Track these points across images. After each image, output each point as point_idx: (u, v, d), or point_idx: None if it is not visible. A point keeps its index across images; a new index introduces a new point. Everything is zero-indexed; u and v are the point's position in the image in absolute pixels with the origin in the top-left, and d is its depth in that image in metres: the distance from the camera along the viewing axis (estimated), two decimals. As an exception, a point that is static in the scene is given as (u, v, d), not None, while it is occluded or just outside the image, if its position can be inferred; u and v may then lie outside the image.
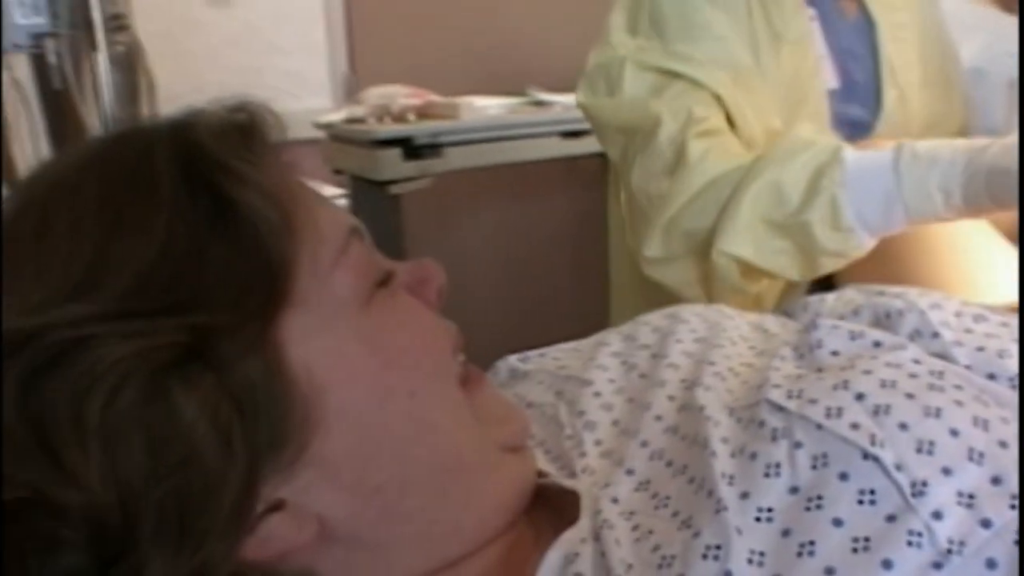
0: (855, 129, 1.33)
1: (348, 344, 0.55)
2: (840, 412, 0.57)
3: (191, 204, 0.52)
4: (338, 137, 2.71)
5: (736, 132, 1.21)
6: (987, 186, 0.97)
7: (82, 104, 1.67)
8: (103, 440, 0.46)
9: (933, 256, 1.11)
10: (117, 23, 1.82)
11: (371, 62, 3.31)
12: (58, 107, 1.64)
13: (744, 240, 1.08)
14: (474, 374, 0.64)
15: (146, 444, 0.47)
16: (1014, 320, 0.73)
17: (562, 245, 3.44)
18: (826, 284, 1.29)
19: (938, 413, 0.56)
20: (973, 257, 1.11)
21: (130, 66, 1.83)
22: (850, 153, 1.04)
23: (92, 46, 1.66)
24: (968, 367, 0.66)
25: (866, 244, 1.05)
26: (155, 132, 0.57)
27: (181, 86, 3.03)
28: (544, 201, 3.47)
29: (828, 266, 1.09)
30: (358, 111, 2.67)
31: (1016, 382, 0.64)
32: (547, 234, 3.49)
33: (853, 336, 0.69)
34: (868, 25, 1.38)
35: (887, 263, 1.13)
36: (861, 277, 1.15)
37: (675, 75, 1.20)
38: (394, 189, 2.54)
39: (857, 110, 1.36)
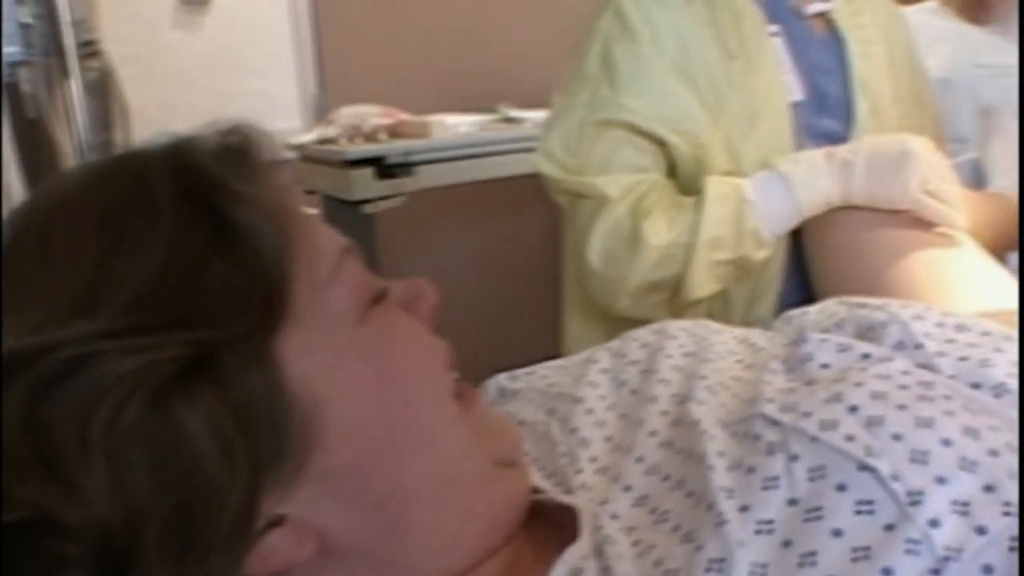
0: (830, 140, 1.35)
1: (346, 359, 0.56)
2: (834, 424, 0.58)
3: (191, 223, 0.53)
4: (310, 158, 2.71)
5: (680, 177, 1.33)
6: (864, 184, 1.20)
7: (56, 131, 1.65)
8: (108, 456, 0.47)
9: (910, 268, 1.13)
10: (89, 49, 1.81)
11: (341, 82, 3.31)
12: (33, 136, 1.63)
13: (705, 287, 1.27)
14: (467, 390, 0.65)
15: (150, 459, 0.48)
16: (996, 329, 0.74)
17: (535, 260, 3.45)
18: (806, 298, 1.32)
19: (930, 423, 0.57)
20: (950, 268, 1.13)
21: (103, 92, 1.82)
22: (749, 188, 1.25)
23: (65, 73, 1.65)
24: (952, 377, 0.67)
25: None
26: (153, 155, 0.58)
27: (151, 110, 3.03)
28: (517, 217, 3.48)
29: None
30: (330, 131, 2.66)
31: (999, 391, 0.65)
32: (520, 249, 3.50)
33: (842, 349, 0.70)
34: (837, 41, 1.40)
35: (866, 276, 1.15)
36: (842, 291, 1.17)
37: (623, 124, 1.29)
38: (367, 208, 2.53)
39: (830, 122, 1.39)
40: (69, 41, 1.65)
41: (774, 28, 1.35)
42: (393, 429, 0.57)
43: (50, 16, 1.61)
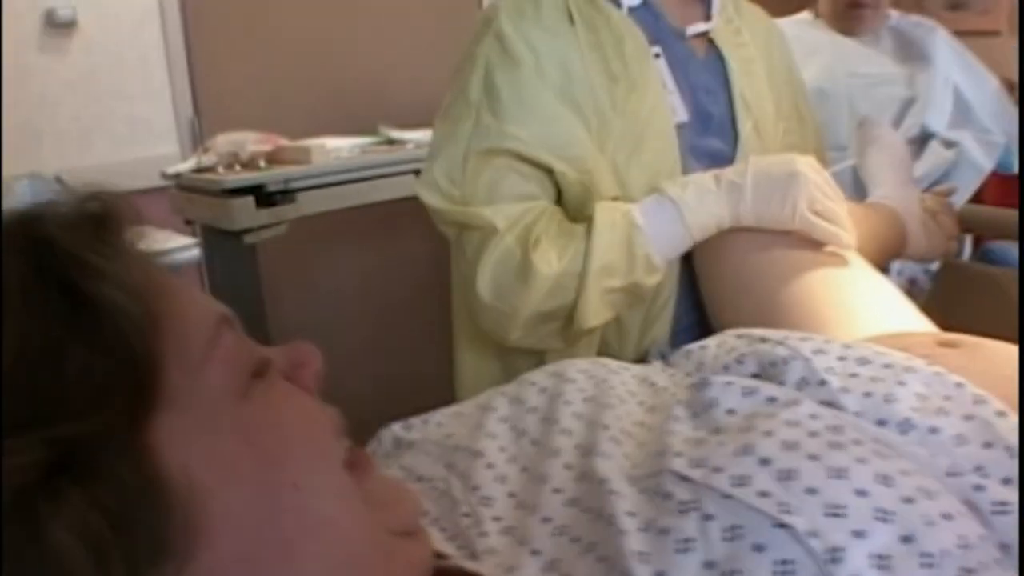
0: (715, 160, 1.35)
1: (227, 442, 0.51)
2: (747, 480, 0.56)
3: (44, 304, 0.48)
4: (187, 187, 2.63)
5: (568, 204, 1.32)
6: (753, 206, 1.20)
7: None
8: None
9: (805, 288, 1.13)
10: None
11: (217, 106, 3.25)
12: None
13: (598, 315, 1.25)
14: (360, 458, 0.60)
15: (20, 574, 0.42)
16: (896, 360, 0.73)
17: (421, 282, 3.42)
18: (699, 319, 1.32)
19: (843, 473, 0.55)
20: (844, 287, 1.13)
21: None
22: (638, 214, 1.23)
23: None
24: (858, 414, 0.66)
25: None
26: (3, 226, 0.52)
27: (17, 137, 2.92)
28: (400, 240, 3.44)
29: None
30: (207, 159, 2.59)
31: (904, 427, 0.65)
32: (406, 271, 3.46)
33: (747, 392, 0.68)
34: (719, 61, 1.41)
35: (760, 297, 1.15)
36: (735, 312, 1.17)
37: (508, 152, 1.27)
38: (248, 238, 2.47)
39: (715, 142, 1.39)
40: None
41: (656, 50, 1.34)
42: (281, 514, 0.52)
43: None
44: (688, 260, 1.32)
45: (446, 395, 1.31)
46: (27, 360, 0.46)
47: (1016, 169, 2.37)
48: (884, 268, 1.33)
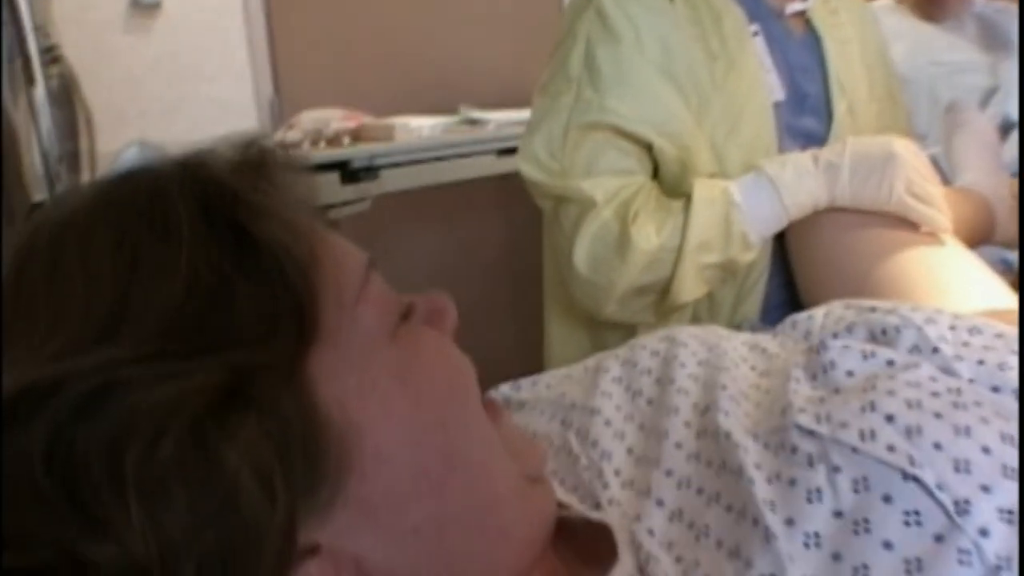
0: (809, 140, 1.37)
1: (379, 380, 0.54)
2: (874, 434, 0.58)
3: (212, 240, 0.50)
4: (272, 163, 2.68)
5: (665, 179, 1.33)
6: (850, 187, 1.21)
7: (22, 142, 1.61)
8: (142, 493, 0.43)
9: (901, 268, 1.13)
10: (50, 55, 1.77)
11: (297, 85, 3.28)
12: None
13: (693, 290, 1.27)
14: (494, 406, 0.62)
15: (188, 495, 0.44)
16: (1009, 331, 0.74)
17: (499, 262, 3.44)
18: (790, 297, 1.33)
19: (968, 431, 0.57)
20: (942, 267, 1.14)
21: (66, 99, 1.77)
22: (736, 191, 1.25)
23: (30, 80, 1.59)
24: (971, 381, 0.67)
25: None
26: (164, 171, 0.54)
27: (102, 116, 2.98)
28: (481, 218, 3.47)
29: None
30: (291, 136, 2.64)
31: (1019, 393, 0.66)
32: (486, 250, 3.49)
33: (866, 356, 0.70)
34: (815, 41, 1.41)
35: (854, 277, 1.16)
36: (828, 291, 1.18)
37: (608, 127, 1.29)
38: (332, 214, 2.52)
39: (810, 122, 1.40)
40: (33, 47, 1.59)
41: (754, 28, 1.35)
42: (430, 452, 0.55)
43: (13, 22, 1.56)
44: (781, 239, 1.33)
45: (521, 371, 1.33)
46: (198, 290, 0.48)
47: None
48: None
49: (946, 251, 1.18)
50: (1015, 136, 2.27)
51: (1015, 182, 1.49)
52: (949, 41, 2.36)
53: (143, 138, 2.80)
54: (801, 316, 0.86)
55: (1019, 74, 2.13)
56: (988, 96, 2.31)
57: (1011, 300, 1.07)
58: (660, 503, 0.64)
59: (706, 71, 1.30)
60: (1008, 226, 1.40)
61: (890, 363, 0.68)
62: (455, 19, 3.45)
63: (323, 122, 2.61)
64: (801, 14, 1.42)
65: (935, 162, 1.76)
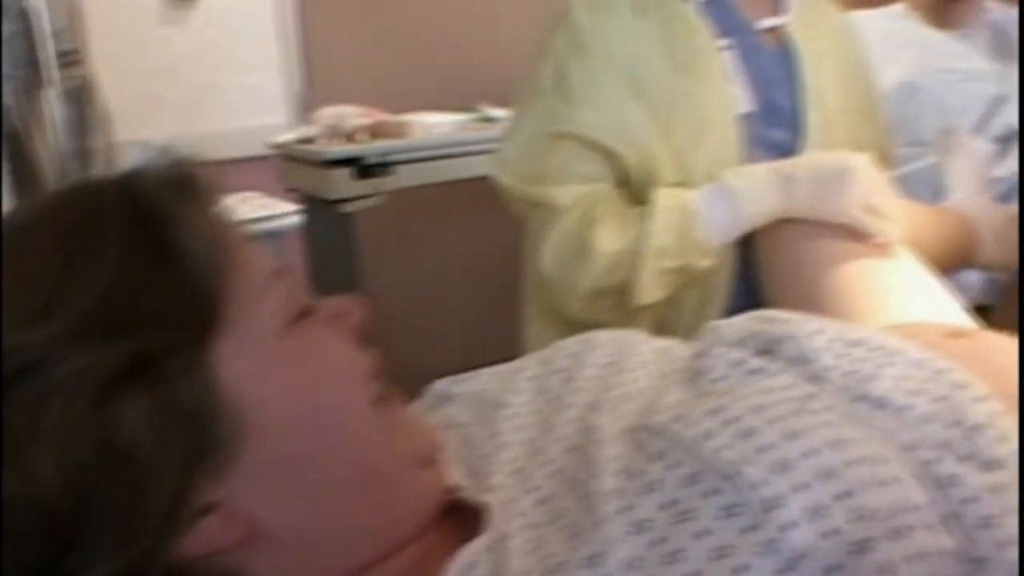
0: (780, 151, 1.41)
1: (272, 365, 0.64)
2: (711, 435, 0.64)
3: (136, 246, 0.61)
4: (291, 157, 2.76)
5: (633, 187, 1.39)
6: (806, 198, 1.26)
7: (34, 141, 1.69)
8: (57, 441, 0.55)
9: (844, 277, 1.18)
10: (70, 58, 1.85)
11: (326, 79, 3.35)
12: (14, 149, 1.66)
13: (651, 293, 1.34)
14: (389, 395, 0.72)
15: (94, 447, 0.56)
16: (890, 344, 0.79)
17: (511, 258, 3.48)
18: (755, 302, 1.37)
19: (796, 436, 0.63)
20: (882, 278, 1.18)
21: (82, 99, 1.85)
22: (696, 200, 1.31)
23: (41, 83, 1.68)
24: (839, 390, 0.73)
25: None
26: (108, 185, 0.66)
27: (138, 104, 3.07)
28: (495, 215, 3.51)
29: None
30: (311, 131, 2.72)
31: (880, 403, 0.71)
32: (498, 246, 3.54)
33: (732, 364, 0.77)
34: (788, 54, 1.46)
35: (805, 283, 1.21)
36: (784, 296, 1.23)
37: (576, 137, 1.36)
38: (346, 207, 2.59)
39: (779, 133, 1.44)
40: (45, 52, 1.68)
41: (724, 42, 1.40)
42: (316, 429, 0.65)
43: (28, 29, 1.64)
44: (747, 244, 1.37)
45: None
46: (119, 287, 0.60)
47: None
48: (949, 273, 1.34)
49: (893, 264, 1.22)
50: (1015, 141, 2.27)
51: (1011, 208, 1.51)
52: (958, 50, 2.35)
53: (150, 138, 2.88)
54: (721, 323, 0.92)
55: (1020, 75, 2.14)
56: (995, 105, 2.31)
57: (951, 313, 1.11)
58: (536, 488, 0.71)
59: (674, 84, 1.35)
60: (990, 248, 1.43)
61: (753, 371, 0.75)
62: (479, 18, 3.50)
63: (341, 118, 2.69)
64: (774, 29, 1.46)
65: (932, 173, 1.78)
